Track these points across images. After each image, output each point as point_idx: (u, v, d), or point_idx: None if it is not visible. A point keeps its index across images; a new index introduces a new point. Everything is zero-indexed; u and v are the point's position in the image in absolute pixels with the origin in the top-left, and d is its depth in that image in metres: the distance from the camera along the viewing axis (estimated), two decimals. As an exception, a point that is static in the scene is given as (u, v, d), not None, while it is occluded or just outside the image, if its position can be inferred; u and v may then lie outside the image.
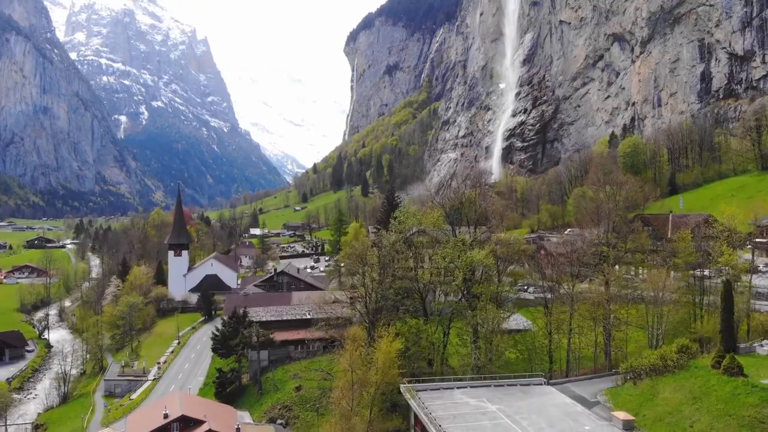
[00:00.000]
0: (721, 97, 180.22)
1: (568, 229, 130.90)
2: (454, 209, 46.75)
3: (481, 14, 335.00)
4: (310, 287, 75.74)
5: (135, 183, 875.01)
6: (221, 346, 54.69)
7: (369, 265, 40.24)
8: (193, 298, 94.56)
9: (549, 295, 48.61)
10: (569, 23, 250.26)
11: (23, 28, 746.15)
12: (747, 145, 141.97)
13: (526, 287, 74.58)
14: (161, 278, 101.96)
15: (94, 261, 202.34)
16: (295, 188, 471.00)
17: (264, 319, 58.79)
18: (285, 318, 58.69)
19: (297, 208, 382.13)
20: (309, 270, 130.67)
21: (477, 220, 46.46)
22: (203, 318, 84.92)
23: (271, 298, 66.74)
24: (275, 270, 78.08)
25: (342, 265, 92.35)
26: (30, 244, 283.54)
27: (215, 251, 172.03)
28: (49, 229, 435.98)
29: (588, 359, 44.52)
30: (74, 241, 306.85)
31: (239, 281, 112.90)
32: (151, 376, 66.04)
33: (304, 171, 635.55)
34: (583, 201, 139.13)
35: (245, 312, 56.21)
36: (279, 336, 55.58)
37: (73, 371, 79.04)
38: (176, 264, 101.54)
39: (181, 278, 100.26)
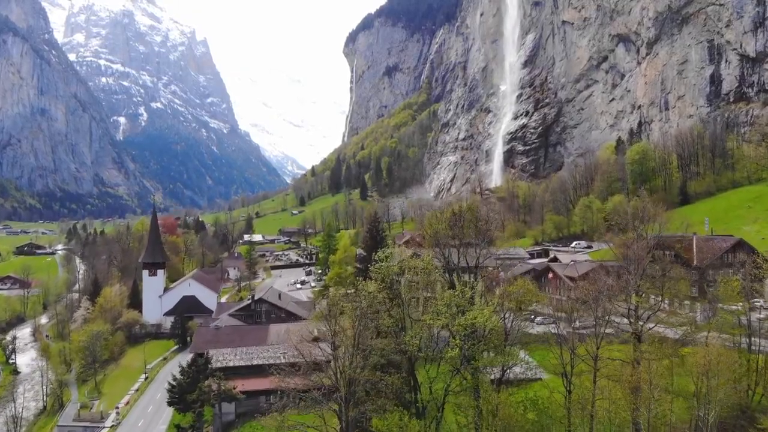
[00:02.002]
0: (731, 100, 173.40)
1: (575, 242, 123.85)
2: (449, 245, 39.60)
3: (481, 15, 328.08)
4: (292, 316, 68.45)
5: (134, 185, 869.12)
6: (178, 400, 47.50)
7: (341, 333, 33.00)
8: (169, 323, 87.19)
9: (562, 330, 41.60)
10: (572, 24, 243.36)
11: (21, 29, 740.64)
12: (762, 151, 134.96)
13: (532, 316, 67.19)
14: (136, 299, 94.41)
15: (82, 269, 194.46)
16: (293, 191, 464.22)
17: (231, 363, 51.39)
18: (255, 362, 51.34)
19: (294, 211, 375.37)
20: (299, 286, 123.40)
21: (477, 258, 39.31)
22: (177, 346, 77.28)
23: (245, 333, 59.36)
24: (253, 297, 70.64)
25: (331, 288, 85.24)
26: (20, 251, 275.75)
27: (204, 262, 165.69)
28: (43, 233, 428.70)
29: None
30: (66, 247, 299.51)
31: (221, 300, 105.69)
32: (109, 422, 58.79)
33: (302, 173, 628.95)
34: (589, 211, 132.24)
35: (207, 358, 49.03)
36: (248, 384, 48.28)
37: (29, 412, 71.44)
38: (151, 284, 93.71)
39: (157, 300, 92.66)
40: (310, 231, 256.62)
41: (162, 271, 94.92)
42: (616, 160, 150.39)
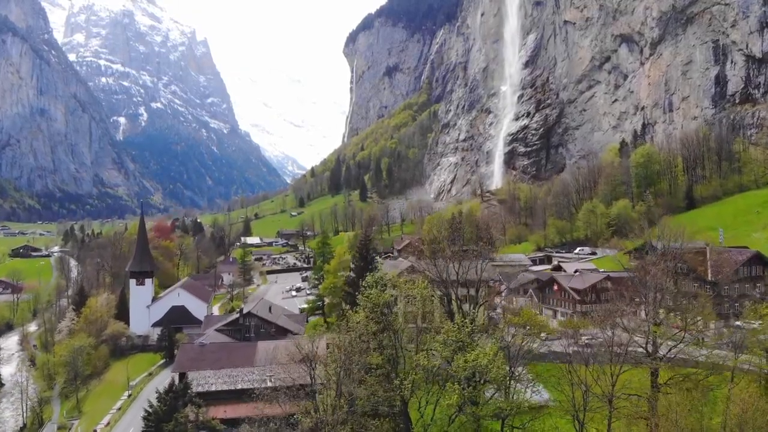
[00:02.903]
0: (737, 101, 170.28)
1: (579, 248, 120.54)
2: (446, 266, 35.94)
3: (482, 15, 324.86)
4: (283, 332, 64.92)
5: (133, 185, 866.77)
6: (154, 430, 44.26)
7: (322, 371, 29.70)
8: (157, 335, 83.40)
9: (570, 349, 38.33)
10: (574, 23, 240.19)
11: (20, 29, 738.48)
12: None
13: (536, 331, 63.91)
14: (124, 308, 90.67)
15: (75, 274, 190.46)
16: (292, 192, 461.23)
17: (213, 388, 47.94)
18: (239, 387, 47.84)
19: (293, 213, 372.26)
20: (294, 293, 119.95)
21: (479, 282, 35.81)
22: (163, 360, 73.46)
23: (232, 351, 55.89)
24: (241, 311, 67.01)
25: (325, 297, 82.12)
26: (15, 253, 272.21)
27: (199, 267, 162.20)
28: (41, 234, 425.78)
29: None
30: (62, 249, 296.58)
31: (213, 310, 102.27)
32: (85, 446, 55.51)
33: (302, 174, 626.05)
34: (593, 216, 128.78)
35: (186, 383, 45.74)
36: (231, 411, 44.94)
37: (7, 432, 68.10)
38: (138, 294, 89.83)
39: (144, 310, 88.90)
40: (308, 233, 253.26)
41: (150, 280, 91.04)
42: (620, 163, 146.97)
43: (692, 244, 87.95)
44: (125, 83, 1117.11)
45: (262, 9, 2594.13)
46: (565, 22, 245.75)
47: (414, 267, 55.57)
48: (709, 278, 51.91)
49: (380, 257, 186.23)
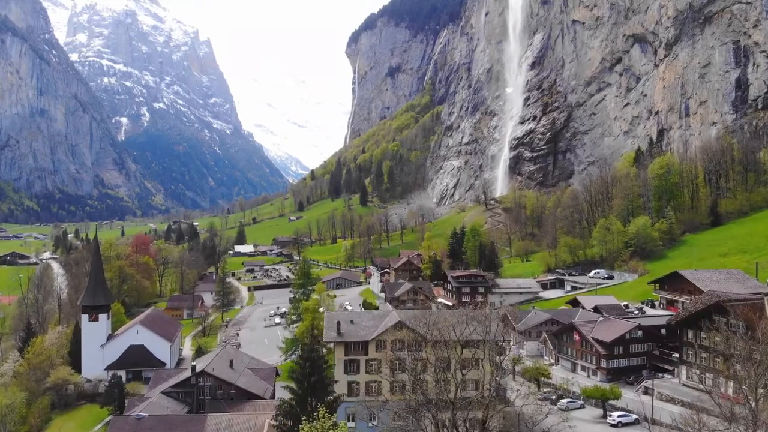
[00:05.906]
0: (759, 107, 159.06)
1: (594, 271, 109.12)
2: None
3: (486, 14, 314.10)
4: (244, 395, 53.25)
5: (134, 186, 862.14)
6: None
7: None
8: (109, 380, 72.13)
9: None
10: (583, 23, 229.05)
11: (20, 29, 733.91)
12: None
13: (553, 397, 53.06)
14: (79, 346, 79.69)
15: (63, 282, 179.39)
16: (292, 195, 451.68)
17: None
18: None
19: (292, 217, 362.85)
20: (277, 320, 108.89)
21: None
22: (111, 416, 62.58)
23: (175, 427, 44.72)
24: (194, 368, 55.81)
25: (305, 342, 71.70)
26: (2, 260, 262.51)
27: (183, 282, 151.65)
28: (35, 238, 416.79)
29: None
30: (52, 256, 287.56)
31: (180, 346, 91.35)
32: None
33: (302, 177, 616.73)
34: (608, 234, 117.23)
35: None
36: None
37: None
38: (92, 331, 77.81)
39: (98, 350, 77.23)
40: (305, 240, 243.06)
41: (105, 315, 79.26)
42: (637, 174, 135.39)
43: (725, 271, 76.76)
44: (127, 83, 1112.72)
45: (266, 9, 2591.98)
46: (574, 21, 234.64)
47: (402, 323, 45.19)
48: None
49: (377, 269, 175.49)
